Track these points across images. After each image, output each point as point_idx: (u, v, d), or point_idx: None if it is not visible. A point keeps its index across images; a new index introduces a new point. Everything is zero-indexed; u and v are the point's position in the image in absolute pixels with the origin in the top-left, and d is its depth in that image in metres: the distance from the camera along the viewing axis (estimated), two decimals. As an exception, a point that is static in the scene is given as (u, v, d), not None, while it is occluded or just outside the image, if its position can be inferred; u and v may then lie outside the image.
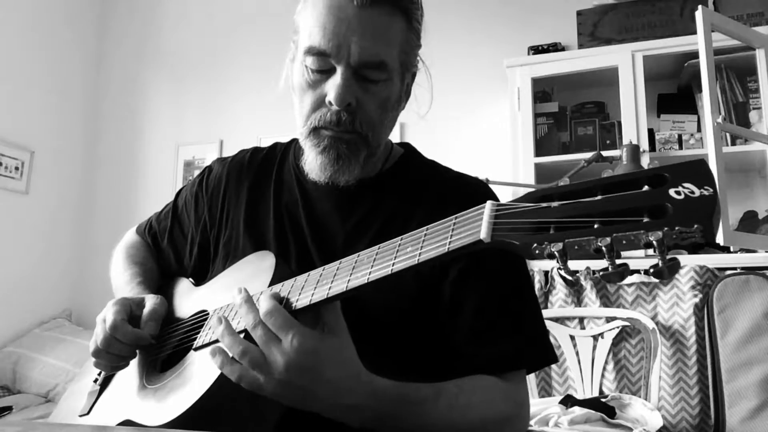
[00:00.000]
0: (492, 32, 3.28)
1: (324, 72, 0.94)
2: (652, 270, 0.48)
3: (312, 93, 0.95)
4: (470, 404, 0.86)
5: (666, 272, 0.48)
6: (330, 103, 0.93)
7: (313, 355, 0.73)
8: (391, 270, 0.68)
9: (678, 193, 0.48)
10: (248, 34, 3.77)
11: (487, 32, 3.28)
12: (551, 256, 0.51)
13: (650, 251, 0.51)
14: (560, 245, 0.50)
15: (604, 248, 0.48)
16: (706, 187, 0.48)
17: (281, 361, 0.73)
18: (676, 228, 0.46)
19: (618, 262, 0.49)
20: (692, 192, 0.47)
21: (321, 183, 1.00)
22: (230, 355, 0.76)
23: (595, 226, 0.50)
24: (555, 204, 0.54)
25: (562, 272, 0.51)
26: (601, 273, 0.50)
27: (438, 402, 0.82)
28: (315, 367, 0.73)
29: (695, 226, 0.45)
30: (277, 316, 0.74)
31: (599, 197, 0.52)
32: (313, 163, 0.98)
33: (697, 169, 0.50)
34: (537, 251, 0.52)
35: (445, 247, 0.63)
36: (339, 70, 0.92)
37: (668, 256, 0.47)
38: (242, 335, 0.78)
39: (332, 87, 0.92)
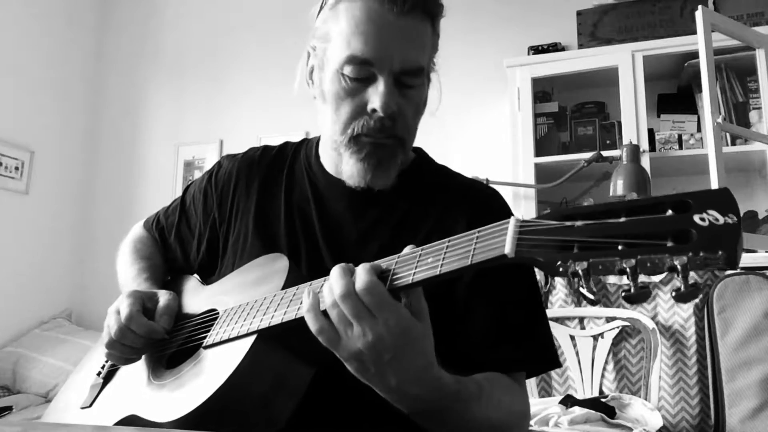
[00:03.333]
0: (492, 32, 3.28)
1: (363, 80, 0.94)
2: (674, 294, 0.49)
3: (351, 101, 0.96)
4: (501, 402, 0.88)
5: (689, 296, 0.48)
6: (374, 110, 0.94)
7: (404, 336, 0.71)
8: (412, 280, 0.69)
9: (702, 219, 0.49)
10: (248, 34, 3.76)
11: (487, 32, 3.28)
12: (575, 275, 0.51)
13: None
14: (585, 264, 0.51)
15: (628, 269, 0.49)
16: (730, 215, 0.48)
17: (370, 334, 0.70)
18: (701, 254, 0.46)
19: (641, 284, 0.50)
20: (716, 219, 0.48)
21: (344, 185, 1.01)
22: (320, 306, 0.74)
23: (620, 247, 0.50)
24: (579, 223, 0.55)
25: (584, 290, 0.52)
26: (623, 294, 0.50)
27: (481, 399, 0.84)
28: (402, 347, 0.71)
29: (720, 252, 0.46)
30: (376, 293, 0.70)
31: (623, 219, 0.52)
32: (352, 170, 0.99)
33: (722, 197, 0.50)
34: (561, 269, 0.53)
35: (468, 260, 0.64)
36: (381, 78, 0.93)
37: (690, 281, 0.48)
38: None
39: (377, 95, 0.93)
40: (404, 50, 0.93)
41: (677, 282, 0.48)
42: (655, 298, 2.22)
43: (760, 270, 2.12)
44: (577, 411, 1.86)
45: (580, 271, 0.51)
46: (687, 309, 2.15)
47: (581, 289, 0.51)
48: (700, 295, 2.13)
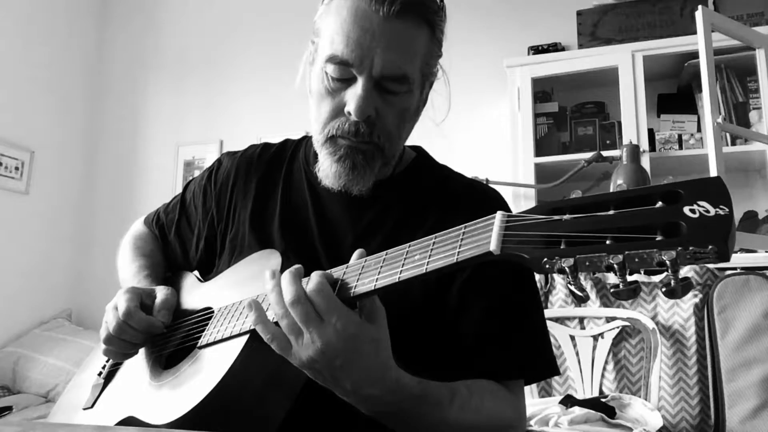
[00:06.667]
0: (492, 32, 3.27)
1: (344, 80, 0.93)
2: (664, 289, 0.47)
3: (331, 101, 0.95)
4: (480, 408, 0.87)
5: (680, 291, 0.47)
6: (349, 113, 0.92)
7: (353, 341, 0.71)
8: (398, 278, 0.68)
9: (693, 211, 0.47)
10: (248, 35, 3.76)
11: (487, 32, 3.28)
12: (561, 272, 0.50)
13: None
14: (571, 261, 0.49)
15: (615, 266, 0.47)
16: (721, 206, 0.46)
17: (319, 342, 0.71)
18: (690, 248, 0.45)
19: (629, 279, 0.48)
20: (707, 211, 0.46)
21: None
22: (268, 317, 0.76)
23: (608, 242, 0.49)
24: (566, 217, 0.53)
25: (572, 287, 0.51)
26: (612, 290, 0.49)
27: (453, 403, 0.83)
28: (352, 352, 0.72)
29: (710, 246, 0.44)
30: (326, 296, 0.72)
31: (612, 212, 0.50)
32: (327, 171, 0.98)
33: (713, 187, 0.48)
34: (547, 266, 0.51)
35: (454, 258, 0.62)
36: (360, 80, 0.91)
37: (681, 276, 0.46)
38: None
39: (352, 98, 0.91)
40: (387, 55, 0.90)
41: (669, 277, 0.47)
42: (655, 299, 2.20)
43: (760, 270, 2.11)
44: (577, 411, 1.85)
45: (566, 268, 0.49)
46: (687, 309, 2.14)
47: (569, 286, 0.50)
48: (697, 294, 2.12)
